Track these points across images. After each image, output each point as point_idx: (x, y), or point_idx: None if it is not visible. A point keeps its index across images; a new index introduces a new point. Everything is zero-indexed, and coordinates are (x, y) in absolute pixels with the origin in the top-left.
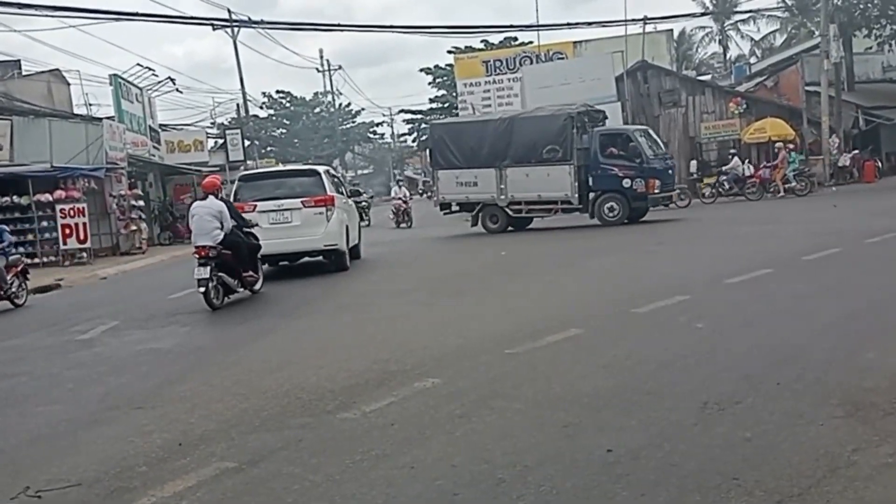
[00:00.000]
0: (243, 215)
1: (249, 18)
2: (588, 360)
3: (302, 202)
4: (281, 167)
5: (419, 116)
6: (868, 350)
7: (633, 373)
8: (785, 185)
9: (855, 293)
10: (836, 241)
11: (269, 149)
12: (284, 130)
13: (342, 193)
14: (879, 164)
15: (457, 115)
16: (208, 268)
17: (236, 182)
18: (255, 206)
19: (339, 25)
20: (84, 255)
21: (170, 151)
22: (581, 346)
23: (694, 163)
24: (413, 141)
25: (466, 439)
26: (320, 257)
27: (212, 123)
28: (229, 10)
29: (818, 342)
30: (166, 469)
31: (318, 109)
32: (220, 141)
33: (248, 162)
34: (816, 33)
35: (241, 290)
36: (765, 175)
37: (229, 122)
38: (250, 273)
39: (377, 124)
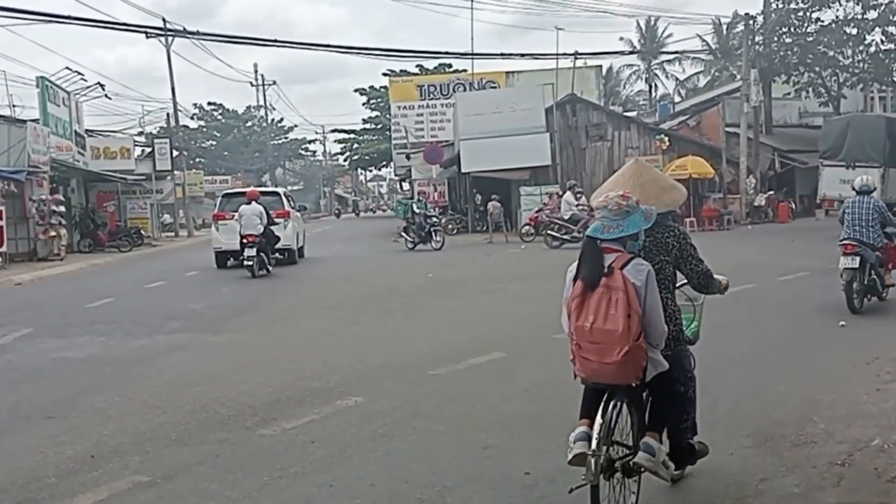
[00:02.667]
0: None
1: (184, 28)
2: (509, 384)
3: (261, 211)
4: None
5: (351, 136)
6: (778, 383)
7: (552, 397)
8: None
9: (767, 328)
10: (751, 277)
11: (197, 160)
12: (214, 142)
13: (294, 209)
14: (793, 206)
15: (389, 136)
16: (255, 248)
17: (220, 197)
18: (233, 215)
19: (275, 41)
20: None
21: (95, 158)
22: (503, 369)
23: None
24: (345, 160)
25: (387, 459)
26: (279, 254)
27: (140, 132)
28: (164, 19)
29: (731, 374)
30: (77, 481)
31: (249, 123)
32: (148, 149)
33: (176, 172)
34: (738, 77)
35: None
36: (541, 218)
37: (158, 132)
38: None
39: (309, 141)
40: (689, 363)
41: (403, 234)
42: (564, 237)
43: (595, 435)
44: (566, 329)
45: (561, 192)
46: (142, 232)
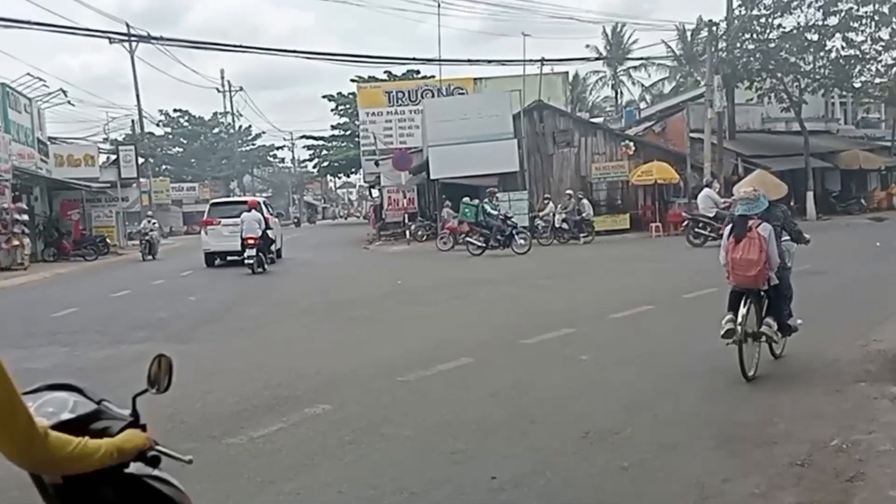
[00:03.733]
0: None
1: (149, 34)
2: (477, 389)
3: (260, 217)
4: (235, 198)
5: (320, 143)
6: (740, 384)
7: (519, 402)
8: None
9: None
10: (715, 281)
11: (164, 167)
12: (181, 149)
13: (273, 216)
14: None
15: (358, 143)
16: (255, 249)
17: (208, 206)
18: (220, 221)
19: (241, 46)
20: None
21: (59, 165)
22: (470, 374)
23: (586, 202)
24: (314, 167)
25: (355, 465)
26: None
27: (104, 139)
28: (128, 25)
29: (694, 376)
30: (35, 495)
31: (216, 130)
32: (113, 157)
33: (142, 180)
34: (702, 83)
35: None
36: (453, 225)
37: (123, 139)
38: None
39: (278, 148)
40: (788, 279)
41: (469, 238)
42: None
43: (739, 317)
44: (723, 261)
45: (572, 196)
46: (107, 240)
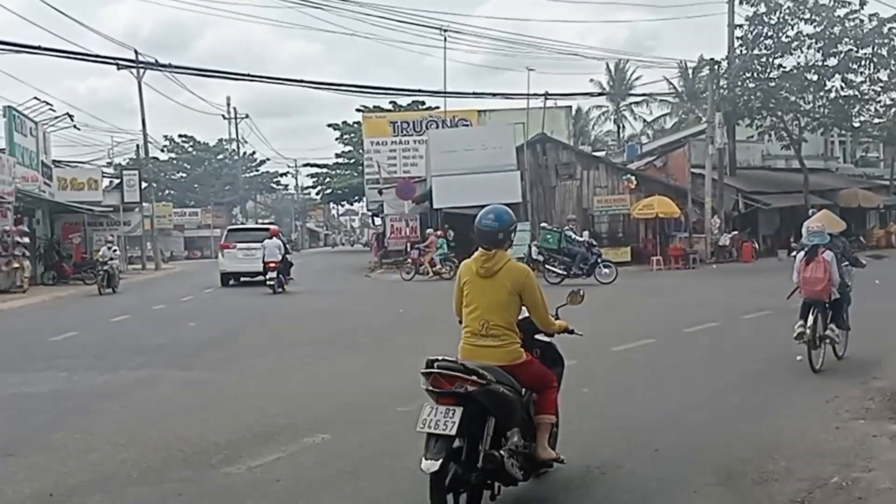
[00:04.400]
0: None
1: (156, 61)
2: None
3: (254, 242)
4: (251, 225)
5: (324, 171)
6: (739, 421)
7: None
8: (433, 267)
9: (730, 366)
10: (715, 315)
11: (167, 192)
12: (185, 175)
13: (283, 241)
14: (756, 246)
15: (362, 171)
16: (276, 272)
17: (226, 231)
18: (236, 245)
19: (248, 75)
20: None
21: (62, 188)
22: None
23: (586, 233)
24: (317, 194)
25: (354, 497)
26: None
27: (108, 163)
28: (136, 51)
29: (695, 411)
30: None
31: (221, 156)
32: (117, 181)
33: (145, 204)
34: (703, 120)
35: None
36: (414, 256)
37: (127, 163)
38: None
39: (282, 175)
40: (848, 294)
41: (548, 266)
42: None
43: (808, 324)
44: (795, 280)
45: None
46: None
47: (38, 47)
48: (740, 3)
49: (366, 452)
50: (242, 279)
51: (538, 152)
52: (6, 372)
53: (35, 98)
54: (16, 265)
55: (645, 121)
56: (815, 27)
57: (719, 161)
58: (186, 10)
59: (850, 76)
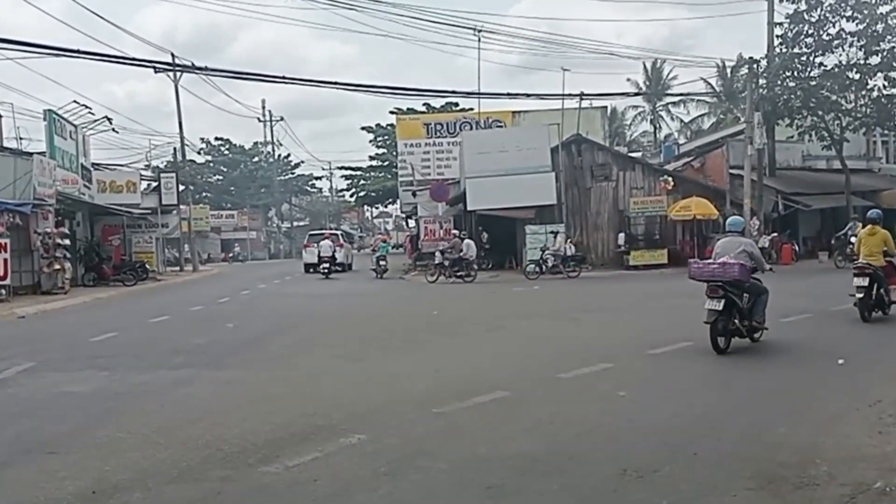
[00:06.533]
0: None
1: (193, 64)
2: (513, 423)
3: (333, 243)
4: (323, 231)
5: (358, 173)
6: (780, 425)
7: (556, 437)
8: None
9: (769, 369)
10: None
11: (203, 194)
12: (221, 177)
13: (347, 242)
14: (796, 248)
15: (396, 174)
16: (328, 263)
17: (308, 235)
18: (313, 244)
19: (283, 78)
20: (3, 291)
21: (101, 191)
22: (507, 408)
23: (622, 235)
24: (351, 196)
25: (390, 497)
26: (339, 267)
27: (146, 165)
28: (173, 55)
29: (734, 415)
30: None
31: (256, 159)
32: (154, 184)
33: (182, 207)
34: (742, 120)
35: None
36: (439, 258)
37: (165, 166)
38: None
39: (316, 178)
40: None
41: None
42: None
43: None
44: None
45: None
46: (146, 266)
47: (78, 51)
48: (780, 0)
49: (401, 453)
50: (313, 269)
51: (573, 153)
52: (49, 371)
53: (75, 102)
54: (57, 266)
55: (682, 121)
56: (857, 25)
57: (758, 162)
58: (221, 13)
59: (893, 74)
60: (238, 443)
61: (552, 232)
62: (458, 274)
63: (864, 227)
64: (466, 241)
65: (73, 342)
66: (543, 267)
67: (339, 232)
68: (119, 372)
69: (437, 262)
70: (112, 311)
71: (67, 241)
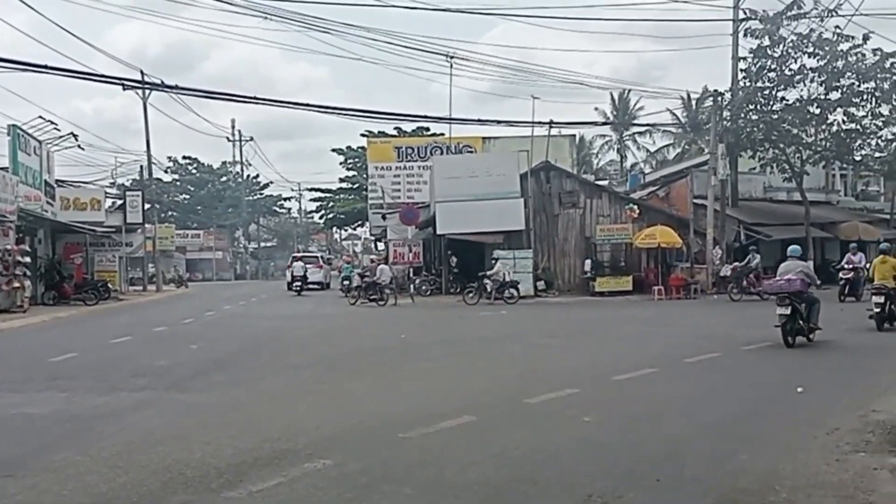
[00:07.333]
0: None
1: (162, 82)
2: (480, 448)
3: (304, 264)
4: (305, 253)
5: (328, 195)
6: (741, 452)
7: (522, 463)
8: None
9: (731, 397)
10: (716, 346)
11: (169, 213)
12: (188, 196)
13: (325, 263)
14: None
15: (366, 196)
16: (300, 283)
17: (291, 258)
18: (298, 265)
19: (254, 98)
20: None
21: (64, 208)
22: (474, 433)
23: (588, 262)
24: (320, 218)
25: None
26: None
27: (112, 183)
28: (142, 72)
29: (697, 442)
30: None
31: (224, 178)
32: (119, 201)
33: (147, 225)
34: (706, 151)
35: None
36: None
37: (131, 184)
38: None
39: (285, 198)
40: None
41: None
42: None
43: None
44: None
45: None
46: (109, 285)
47: (45, 66)
48: (745, 35)
49: (367, 478)
50: (295, 285)
51: (542, 180)
52: (6, 392)
53: (40, 117)
54: (16, 285)
55: (648, 151)
56: (818, 61)
57: (721, 192)
58: (193, 32)
59: (852, 110)
60: (200, 467)
61: (493, 258)
62: (372, 298)
63: (878, 256)
64: (381, 266)
65: (32, 362)
66: (482, 293)
67: (318, 255)
68: (79, 393)
69: (354, 284)
70: (72, 331)
71: (28, 259)
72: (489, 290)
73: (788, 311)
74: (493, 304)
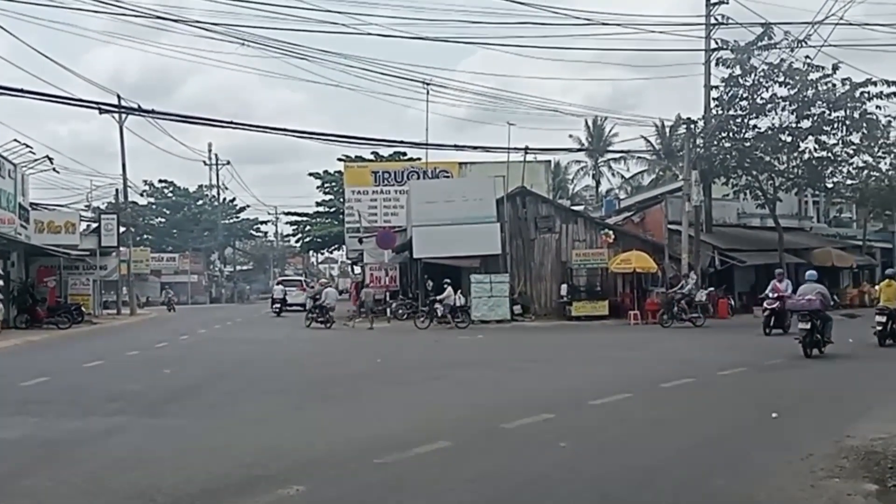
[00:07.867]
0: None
1: (139, 106)
2: (455, 474)
3: (297, 288)
4: (290, 277)
5: (304, 218)
6: (717, 477)
7: (497, 488)
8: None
9: (706, 422)
10: (692, 371)
11: (145, 236)
12: (163, 220)
13: (308, 286)
14: (732, 302)
15: (342, 220)
16: (279, 305)
17: (277, 281)
18: (279, 288)
19: (231, 123)
20: None
21: (38, 231)
22: (449, 458)
23: (564, 286)
24: (297, 241)
25: None
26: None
27: (87, 206)
28: (119, 96)
29: (672, 467)
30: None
31: (200, 202)
32: (94, 225)
33: (122, 248)
34: (680, 177)
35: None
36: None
37: (106, 207)
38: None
39: (262, 222)
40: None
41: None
42: None
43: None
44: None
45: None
46: (82, 309)
47: (20, 90)
48: (717, 65)
49: None
50: (277, 306)
51: (518, 205)
52: None
53: (15, 140)
54: None
55: (623, 177)
56: (789, 90)
57: (696, 218)
58: (171, 57)
59: (823, 138)
60: (172, 493)
61: (446, 282)
62: (319, 320)
63: (883, 280)
64: (326, 290)
65: (3, 386)
66: (433, 317)
67: (301, 279)
68: (50, 418)
69: (308, 307)
70: (45, 354)
71: (0, 282)
72: (440, 314)
73: (809, 326)
74: (452, 329)
